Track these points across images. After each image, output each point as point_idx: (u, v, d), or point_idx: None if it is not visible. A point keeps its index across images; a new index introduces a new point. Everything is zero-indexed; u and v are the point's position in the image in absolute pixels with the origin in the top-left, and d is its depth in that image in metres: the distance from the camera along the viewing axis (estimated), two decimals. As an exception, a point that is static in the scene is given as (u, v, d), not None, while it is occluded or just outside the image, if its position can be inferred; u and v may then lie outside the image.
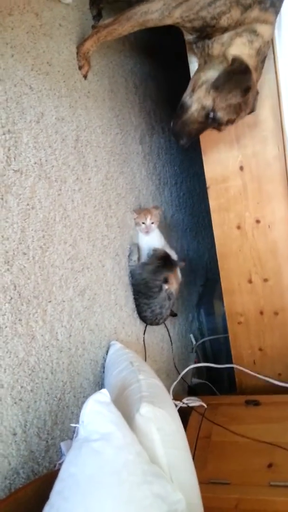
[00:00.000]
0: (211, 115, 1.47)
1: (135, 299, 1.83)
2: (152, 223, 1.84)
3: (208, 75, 1.44)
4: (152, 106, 2.25)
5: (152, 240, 1.89)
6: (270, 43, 1.44)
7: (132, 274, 1.81)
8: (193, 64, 1.70)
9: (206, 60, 1.45)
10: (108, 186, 1.69)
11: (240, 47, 1.39)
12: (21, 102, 1.22)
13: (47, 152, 1.32)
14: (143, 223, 1.83)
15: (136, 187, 1.96)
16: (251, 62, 1.41)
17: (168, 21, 1.39)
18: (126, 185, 1.86)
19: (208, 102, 1.44)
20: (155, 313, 1.85)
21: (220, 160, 1.92)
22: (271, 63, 1.70)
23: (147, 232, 1.84)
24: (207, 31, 1.37)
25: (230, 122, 1.51)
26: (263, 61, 1.44)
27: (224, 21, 1.33)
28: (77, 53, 1.51)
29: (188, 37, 1.46)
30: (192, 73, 1.70)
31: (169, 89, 2.45)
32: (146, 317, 1.85)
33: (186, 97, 1.49)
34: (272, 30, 1.41)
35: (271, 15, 1.38)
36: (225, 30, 1.36)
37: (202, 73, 1.46)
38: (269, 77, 1.72)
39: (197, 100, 1.46)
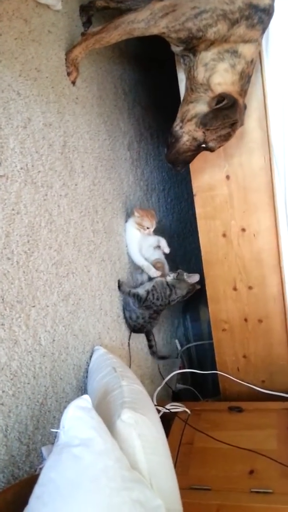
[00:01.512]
0: (203, 145, 1.54)
1: (151, 312, 1.87)
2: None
3: (197, 109, 1.48)
4: (141, 113, 2.27)
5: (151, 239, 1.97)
6: (254, 62, 1.45)
7: (156, 289, 1.85)
8: (181, 73, 1.72)
9: (192, 86, 1.48)
10: (95, 191, 1.70)
11: (223, 75, 1.42)
12: (8, 107, 1.22)
13: (33, 158, 1.32)
14: (147, 228, 1.88)
15: (123, 193, 1.97)
16: (235, 88, 1.44)
17: (155, 31, 1.41)
18: (114, 190, 1.87)
19: (198, 134, 1.50)
20: (152, 316, 1.91)
21: (207, 169, 1.94)
22: (259, 75, 1.73)
23: (148, 234, 1.91)
24: (193, 43, 1.39)
25: (222, 146, 1.58)
26: (248, 81, 1.47)
27: (210, 35, 1.35)
28: (66, 59, 1.52)
29: (175, 48, 1.47)
30: (180, 82, 1.72)
31: (158, 95, 2.47)
32: (150, 322, 1.92)
33: (177, 127, 1.54)
34: (255, 48, 1.43)
35: (257, 32, 1.39)
36: (211, 43, 1.38)
37: (190, 105, 1.50)
38: (256, 89, 1.75)
39: (188, 132, 1.52)
